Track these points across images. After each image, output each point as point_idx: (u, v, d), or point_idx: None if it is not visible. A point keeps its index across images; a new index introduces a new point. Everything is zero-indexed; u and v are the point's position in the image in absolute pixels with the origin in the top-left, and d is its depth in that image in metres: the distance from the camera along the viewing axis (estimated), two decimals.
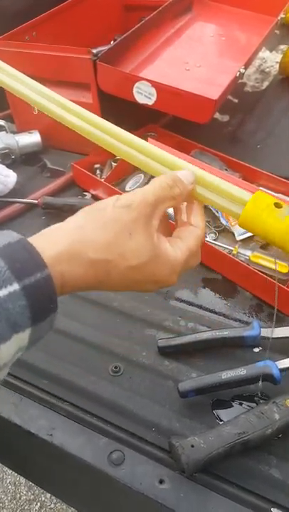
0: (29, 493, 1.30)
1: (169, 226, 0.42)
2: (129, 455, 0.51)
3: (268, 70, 1.24)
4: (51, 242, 0.34)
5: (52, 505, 1.28)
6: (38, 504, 1.29)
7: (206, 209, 0.83)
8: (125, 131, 0.44)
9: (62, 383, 0.59)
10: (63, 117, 0.47)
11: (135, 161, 0.43)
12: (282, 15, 1.09)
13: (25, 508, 1.28)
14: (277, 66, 1.22)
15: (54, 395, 0.58)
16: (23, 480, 1.33)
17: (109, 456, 0.51)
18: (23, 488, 1.32)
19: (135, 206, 0.35)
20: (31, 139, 0.98)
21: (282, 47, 1.30)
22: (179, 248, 0.38)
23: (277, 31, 1.35)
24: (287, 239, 0.38)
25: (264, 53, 1.30)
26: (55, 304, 0.32)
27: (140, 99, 0.84)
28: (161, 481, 0.49)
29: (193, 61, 0.97)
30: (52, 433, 0.54)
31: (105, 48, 0.89)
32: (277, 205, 0.38)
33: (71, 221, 0.36)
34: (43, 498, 1.29)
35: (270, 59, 1.28)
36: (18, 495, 1.31)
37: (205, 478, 0.49)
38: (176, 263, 0.37)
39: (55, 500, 1.28)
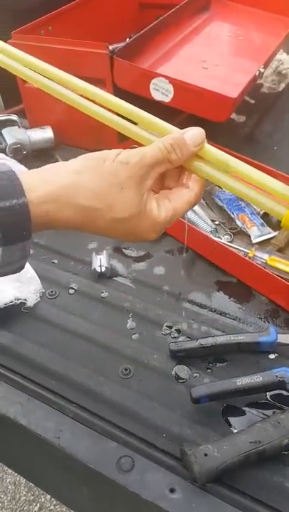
0: (29, 494, 1.29)
1: (161, 182, 0.42)
2: (139, 461, 0.49)
3: (284, 71, 1.22)
4: (45, 180, 0.36)
5: (52, 507, 1.26)
6: (38, 505, 1.27)
7: (221, 210, 0.81)
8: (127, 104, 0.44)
9: (71, 384, 0.58)
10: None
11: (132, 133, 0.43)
12: None
13: (25, 508, 1.26)
14: None
15: (62, 396, 0.56)
16: (23, 480, 1.31)
17: (118, 461, 0.49)
18: (23, 488, 1.30)
19: (132, 165, 0.37)
20: (43, 134, 0.96)
21: None
22: (164, 209, 0.39)
23: None
24: None
25: (281, 55, 1.28)
26: (28, 233, 0.35)
27: (157, 96, 0.82)
28: (172, 490, 0.47)
29: (211, 59, 0.96)
30: (59, 435, 0.52)
31: (121, 44, 0.88)
32: None
33: (70, 164, 0.38)
34: (43, 500, 1.27)
35: (287, 61, 1.26)
36: (18, 495, 1.29)
37: (218, 488, 0.47)
38: (158, 221, 0.39)
39: (54, 502, 1.26)
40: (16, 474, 1.31)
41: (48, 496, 1.28)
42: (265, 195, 0.39)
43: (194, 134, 0.40)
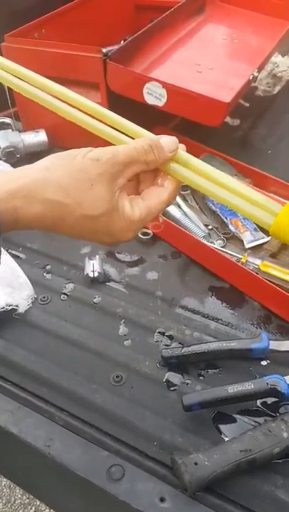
0: (24, 497, 1.28)
1: (137, 185, 0.42)
2: (129, 470, 0.49)
3: (280, 74, 1.22)
4: (12, 178, 0.36)
5: (47, 511, 1.26)
6: (33, 509, 1.26)
7: (214, 215, 0.81)
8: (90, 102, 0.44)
9: (62, 392, 0.57)
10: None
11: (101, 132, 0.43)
12: None
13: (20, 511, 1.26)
14: None
15: (53, 404, 0.56)
16: None
17: (108, 470, 0.49)
18: (18, 491, 1.29)
19: (103, 161, 0.36)
20: (37, 138, 0.96)
21: None
22: (138, 208, 0.39)
23: None
24: None
25: (276, 58, 1.28)
26: None
27: (150, 100, 0.82)
28: (162, 499, 0.47)
29: (205, 63, 0.95)
30: (49, 444, 0.52)
31: (115, 47, 0.87)
32: None
33: (39, 162, 0.38)
34: (38, 503, 1.27)
35: (283, 64, 1.26)
36: (13, 498, 1.29)
37: (208, 497, 0.47)
38: (132, 220, 0.38)
39: None
40: None
41: None
42: (246, 201, 0.39)
43: (169, 140, 0.40)
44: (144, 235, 0.78)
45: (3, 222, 0.35)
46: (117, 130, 0.43)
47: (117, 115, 0.43)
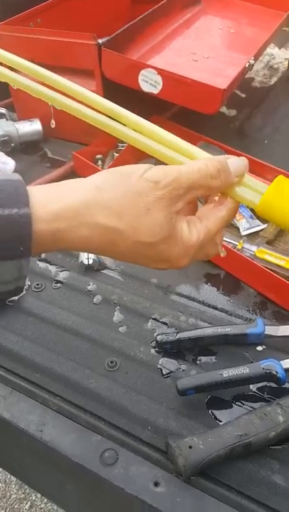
0: (19, 492, 1.27)
1: (195, 206, 0.38)
2: (123, 455, 0.48)
3: (276, 66, 1.22)
4: (59, 195, 0.32)
5: (42, 505, 1.25)
6: (29, 503, 1.25)
7: None
8: (140, 118, 0.40)
9: (56, 377, 0.57)
10: (65, 104, 0.43)
11: (150, 150, 0.39)
12: None
13: (15, 507, 1.25)
14: (286, 63, 1.20)
15: (46, 389, 0.55)
16: (13, 478, 1.30)
17: (102, 455, 0.48)
18: (13, 486, 1.29)
19: (163, 185, 0.32)
20: (32, 127, 0.95)
21: None
22: (196, 230, 0.35)
23: (286, 28, 1.33)
24: None
25: (273, 50, 1.27)
26: (27, 249, 0.30)
27: (145, 87, 0.81)
28: (156, 484, 0.46)
29: (201, 52, 0.95)
30: (42, 429, 0.51)
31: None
32: None
33: (90, 179, 0.34)
34: (34, 498, 1.26)
35: (279, 55, 1.25)
36: (8, 493, 1.28)
37: (203, 482, 0.46)
38: (189, 245, 0.34)
39: (45, 500, 1.24)
40: (6, 472, 1.30)
41: (39, 494, 1.27)
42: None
43: (237, 163, 0.36)
44: None
45: (39, 241, 0.31)
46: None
47: (159, 128, 0.39)
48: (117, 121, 0.40)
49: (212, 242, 0.37)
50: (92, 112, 0.41)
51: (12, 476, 1.30)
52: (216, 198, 0.37)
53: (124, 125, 0.40)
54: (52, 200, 0.32)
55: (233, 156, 0.36)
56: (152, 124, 0.39)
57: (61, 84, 0.43)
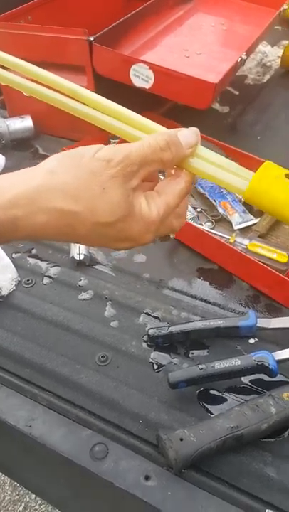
0: (13, 494, 1.26)
1: (155, 181, 0.38)
2: (113, 449, 0.48)
3: (269, 63, 1.22)
4: (14, 182, 0.32)
5: (36, 507, 1.23)
6: (23, 505, 1.24)
7: (203, 198, 0.80)
8: (100, 97, 0.39)
9: (46, 372, 0.56)
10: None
11: (109, 126, 0.38)
12: (285, 6, 1.07)
13: (9, 508, 1.23)
14: (279, 61, 1.20)
15: (35, 384, 0.54)
16: (7, 480, 1.28)
17: (92, 449, 0.47)
18: (7, 488, 1.27)
19: (115, 163, 0.32)
20: (23, 124, 0.94)
21: (284, 42, 1.28)
22: (155, 204, 0.34)
23: (279, 27, 1.34)
24: None
25: (266, 48, 1.28)
26: None
27: (137, 82, 0.81)
28: (147, 478, 0.46)
29: (193, 49, 0.95)
30: (31, 424, 0.50)
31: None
32: (288, 176, 0.35)
33: (43, 164, 0.33)
34: (28, 499, 1.24)
35: (272, 53, 1.25)
36: (2, 495, 1.26)
37: (194, 475, 0.46)
38: (150, 221, 0.34)
39: (39, 502, 1.23)
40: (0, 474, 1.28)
41: (33, 496, 1.26)
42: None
43: (187, 134, 0.35)
44: None
45: (2, 231, 0.31)
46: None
47: (118, 105, 0.38)
48: (78, 101, 0.39)
49: (175, 215, 0.36)
50: (52, 92, 0.40)
51: (6, 478, 1.28)
52: (172, 171, 0.37)
53: (86, 105, 0.39)
54: (6, 188, 0.31)
55: (184, 128, 0.36)
56: (112, 102, 0.39)
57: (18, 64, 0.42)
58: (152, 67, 0.78)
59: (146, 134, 0.37)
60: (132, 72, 0.80)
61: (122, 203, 0.32)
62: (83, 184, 0.32)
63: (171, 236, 0.72)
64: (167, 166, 0.36)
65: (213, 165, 0.37)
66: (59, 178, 0.32)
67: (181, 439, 0.45)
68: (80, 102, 0.40)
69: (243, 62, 0.86)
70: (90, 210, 0.32)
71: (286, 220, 0.36)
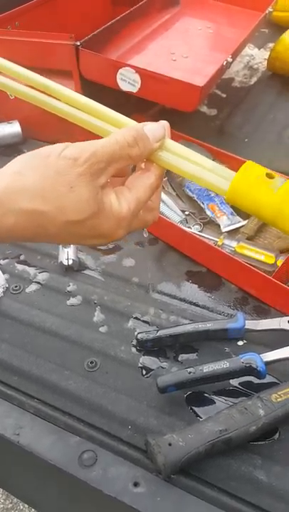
0: (7, 502, 1.24)
1: (126, 176, 0.37)
2: (102, 455, 0.47)
3: (256, 66, 1.23)
4: None
5: None
6: None
7: (191, 200, 0.80)
8: (72, 92, 0.39)
9: (33, 379, 0.55)
10: None
11: (76, 119, 0.39)
12: (270, 9, 1.07)
13: None
14: (265, 63, 1.21)
15: (23, 392, 0.54)
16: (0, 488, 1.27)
17: (80, 456, 0.47)
18: (0, 496, 1.26)
19: (82, 161, 0.32)
20: (11, 129, 0.94)
21: (271, 45, 1.28)
22: (125, 200, 0.34)
23: (265, 30, 1.34)
24: (280, 213, 0.34)
25: (253, 50, 1.28)
26: None
27: (124, 86, 0.81)
28: (135, 484, 0.45)
29: (180, 52, 0.95)
30: (19, 432, 0.50)
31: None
32: (269, 176, 0.35)
33: (9, 166, 0.33)
34: (21, 507, 1.23)
35: (259, 56, 1.26)
36: None
37: (184, 480, 0.45)
38: (121, 217, 0.34)
39: (33, 510, 1.22)
40: None
41: (27, 504, 1.24)
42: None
43: (155, 127, 0.35)
44: None
45: None
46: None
47: (93, 101, 0.38)
48: (51, 96, 0.39)
49: (147, 209, 0.36)
50: (26, 88, 0.40)
51: None
52: (143, 165, 0.37)
53: (58, 100, 0.39)
54: None
55: (151, 122, 0.36)
56: (83, 96, 0.39)
57: None
58: (139, 71, 0.78)
59: (116, 128, 0.37)
60: (118, 77, 0.80)
61: (90, 201, 0.32)
62: (50, 184, 0.32)
63: (144, 233, 0.73)
64: (136, 161, 0.36)
65: (187, 161, 0.37)
66: (25, 178, 0.32)
67: (170, 444, 0.44)
68: (52, 97, 0.40)
69: (229, 65, 0.87)
70: (58, 209, 0.32)
71: (266, 220, 0.36)
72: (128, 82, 0.80)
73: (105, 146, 0.33)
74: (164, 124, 0.36)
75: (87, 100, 0.39)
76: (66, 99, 0.39)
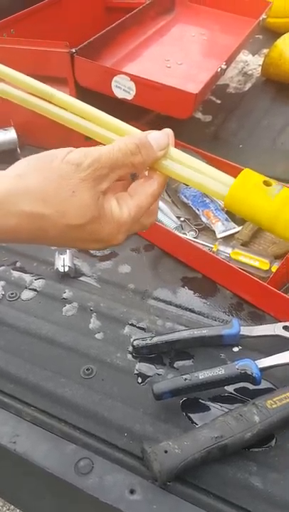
0: (4, 509, 1.24)
1: (128, 183, 0.38)
2: (99, 463, 0.47)
3: (250, 72, 1.24)
4: None
5: None
6: None
7: (186, 207, 0.81)
8: (72, 98, 0.40)
9: (30, 387, 0.55)
10: None
11: (80, 128, 0.39)
12: (263, 16, 1.08)
13: None
14: (260, 69, 1.22)
15: (19, 400, 0.54)
16: None
17: (77, 464, 0.47)
18: None
19: (85, 166, 0.32)
20: (6, 136, 0.94)
21: (265, 51, 1.29)
22: (126, 206, 0.35)
23: (259, 36, 1.36)
24: (277, 220, 0.35)
25: (247, 57, 1.30)
26: None
27: (119, 93, 0.82)
28: (132, 491, 0.45)
29: (175, 59, 0.96)
30: (15, 440, 0.50)
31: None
32: (267, 183, 0.35)
33: (11, 168, 0.34)
34: None
35: (253, 62, 1.27)
36: None
37: (180, 487, 0.46)
38: (121, 222, 0.35)
39: None
40: None
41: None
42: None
43: (158, 136, 0.36)
44: None
45: None
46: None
47: (95, 109, 0.40)
48: (50, 102, 0.40)
49: (146, 214, 0.37)
50: (27, 95, 0.41)
51: None
52: (146, 173, 0.37)
53: (61, 107, 0.40)
54: None
55: (155, 130, 0.37)
56: (84, 104, 0.40)
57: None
58: (133, 78, 0.79)
59: (119, 136, 0.38)
60: (113, 84, 0.81)
61: (92, 206, 0.33)
62: (53, 187, 0.32)
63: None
64: (139, 169, 0.36)
65: (188, 167, 0.37)
66: (28, 181, 0.32)
67: (166, 451, 0.45)
68: (53, 104, 0.41)
69: (223, 71, 0.87)
70: (60, 213, 0.32)
71: (264, 227, 0.36)
72: (123, 89, 0.81)
73: (109, 152, 0.34)
74: (168, 132, 0.37)
75: (90, 108, 0.39)
76: (69, 107, 0.40)
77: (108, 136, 0.38)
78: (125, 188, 0.37)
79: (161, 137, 0.36)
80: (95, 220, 0.33)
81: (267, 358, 0.52)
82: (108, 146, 0.34)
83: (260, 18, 1.08)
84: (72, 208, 0.33)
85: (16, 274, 0.71)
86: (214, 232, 0.74)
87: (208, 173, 0.37)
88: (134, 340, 0.58)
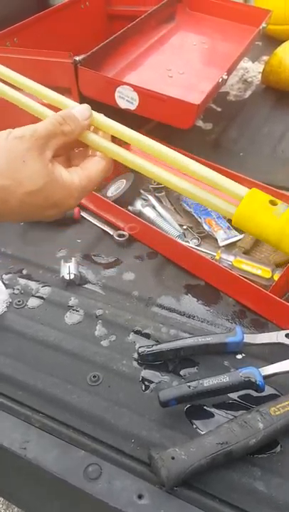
0: (3, 507, 1.25)
1: (69, 162, 0.44)
2: (107, 469, 0.49)
3: (250, 79, 1.25)
4: None
5: None
6: None
7: (189, 215, 0.82)
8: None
9: (38, 394, 0.57)
10: None
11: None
12: (264, 24, 1.10)
13: None
14: (260, 76, 1.23)
15: (29, 407, 0.55)
16: (0, 497, 1.28)
17: (85, 470, 0.48)
18: (0, 506, 1.26)
19: (27, 138, 0.38)
20: None
21: (265, 58, 1.31)
22: (76, 174, 0.41)
23: (259, 43, 1.37)
24: (283, 237, 0.37)
25: (247, 64, 1.31)
26: None
27: (122, 104, 0.83)
28: (140, 496, 0.47)
29: (176, 68, 0.97)
30: (25, 446, 0.51)
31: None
32: (273, 203, 0.37)
33: None
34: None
35: (253, 69, 1.29)
36: None
37: (186, 492, 0.47)
38: (73, 187, 0.40)
39: None
40: None
41: None
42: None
43: (81, 108, 0.42)
44: (119, 237, 0.78)
45: None
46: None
47: (37, 84, 0.48)
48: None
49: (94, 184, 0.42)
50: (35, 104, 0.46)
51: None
52: (90, 152, 0.43)
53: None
54: None
55: (83, 104, 0.43)
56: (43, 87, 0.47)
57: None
58: (137, 89, 0.80)
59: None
60: (117, 94, 0.82)
61: (42, 171, 0.38)
62: (5, 161, 0.37)
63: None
64: (71, 137, 0.41)
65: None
66: None
67: (173, 458, 0.46)
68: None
69: (224, 81, 0.89)
70: (16, 182, 0.37)
71: (271, 244, 0.38)
72: (126, 99, 0.82)
73: (42, 124, 0.39)
74: (88, 107, 0.43)
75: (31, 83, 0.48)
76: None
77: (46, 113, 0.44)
78: (67, 164, 0.43)
79: (84, 109, 0.42)
80: (49, 183, 0.38)
81: (270, 366, 0.54)
82: (42, 121, 0.40)
83: (261, 27, 1.09)
84: (25, 175, 0.37)
85: (22, 281, 0.72)
86: (216, 239, 0.76)
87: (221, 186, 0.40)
88: (140, 347, 0.60)
